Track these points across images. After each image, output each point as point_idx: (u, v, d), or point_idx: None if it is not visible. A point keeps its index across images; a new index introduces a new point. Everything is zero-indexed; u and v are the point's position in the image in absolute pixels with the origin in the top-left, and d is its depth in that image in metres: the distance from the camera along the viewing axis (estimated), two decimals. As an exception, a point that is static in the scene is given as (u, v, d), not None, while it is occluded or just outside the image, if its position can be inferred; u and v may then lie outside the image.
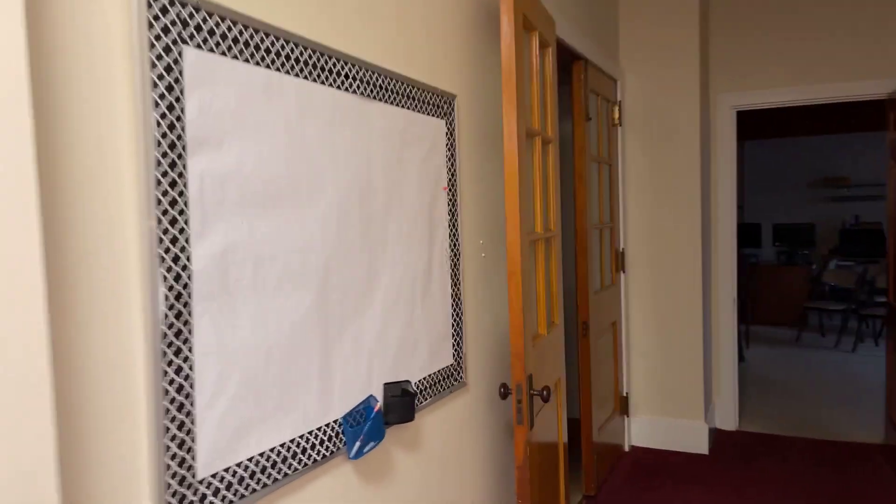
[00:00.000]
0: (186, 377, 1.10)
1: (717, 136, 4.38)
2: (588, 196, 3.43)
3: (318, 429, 1.42)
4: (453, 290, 2.00)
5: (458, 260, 2.02)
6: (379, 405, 1.56)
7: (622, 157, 4.07)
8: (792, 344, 7.30)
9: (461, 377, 2.04)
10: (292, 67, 1.36)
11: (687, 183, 3.99)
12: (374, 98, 1.62)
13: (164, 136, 1.07)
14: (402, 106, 1.74)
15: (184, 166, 1.10)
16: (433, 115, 1.90)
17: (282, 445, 1.32)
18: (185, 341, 1.10)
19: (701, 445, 4.03)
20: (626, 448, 4.14)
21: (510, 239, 1.95)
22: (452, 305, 2.00)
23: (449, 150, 1.98)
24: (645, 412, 4.18)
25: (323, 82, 1.44)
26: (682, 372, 4.07)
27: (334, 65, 1.48)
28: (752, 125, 7.59)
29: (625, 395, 4.10)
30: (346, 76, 1.52)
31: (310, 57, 1.41)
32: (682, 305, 4.05)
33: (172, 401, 1.08)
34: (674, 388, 4.10)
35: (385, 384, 1.65)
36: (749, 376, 5.92)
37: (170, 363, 1.07)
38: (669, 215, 4.04)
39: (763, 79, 4.26)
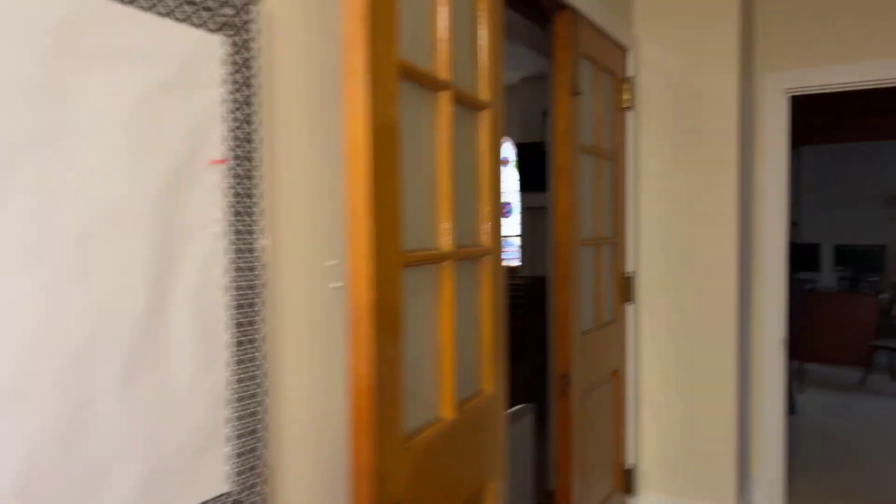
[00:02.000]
0: None
1: (765, 128, 3.35)
2: (574, 199, 2.47)
3: None
4: (240, 351, 1.08)
5: (255, 296, 1.11)
6: None
7: (633, 152, 3.09)
8: (856, 389, 6.10)
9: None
10: None
11: (721, 189, 2.99)
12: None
13: None
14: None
15: None
16: (193, 24, 1.00)
17: None
18: None
19: (732, 540, 3.00)
20: (632, 535, 3.13)
21: (357, 265, 1.05)
22: (238, 380, 1.08)
23: (237, 90, 1.07)
24: (658, 489, 3.16)
25: None
26: (708, 437, 3.05)
27: None
28: (808, 126, 6.44)
29: (629, 467, 3.09)
30: None
31: None
32: (712, 348, 3.03)
33: None
34: (697, 460, 3.07)
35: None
36: (801, 433, 4.79)
37: None
38: (697, 230, 3.04)
39: (825, 53, 3.22)
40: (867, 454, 4.38)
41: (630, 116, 3.05)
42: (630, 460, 3.09)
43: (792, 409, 4.89)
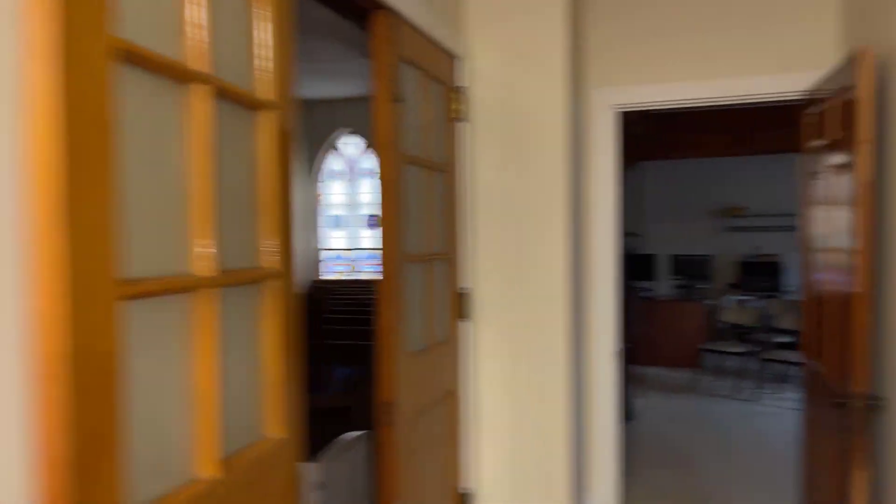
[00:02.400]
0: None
1: (596, 142, 3.40)
2: (398, 212, 2.31)
3: None
4: None
5: None
6: None
7: (468, 165, 3.00)
8: (689, 391, 6.47)
9: None
10: None
11: (552, 203, 2.96)
12: None
13: None
14: None
15: None
16: None
17: None
18: None
19: (568, 557, 2.96)
20: (471, 561, 3.01)
21: (41, 301, 0.80)
22: None
23: None
24: (496, 511, 3.07)
25: None
26: (544, 454, 3.00)
27: None
28: (649, 142, 6.82)
29: (466, 491, 2.98)
30: None
31: None
32: (546, 363, 2.99)
33: None
34: (534, 478, 3.01)
35: None
36: (639, 438, 4.96)
37: None
38: (530, 245, 2.99)
39: (652, 72, 3.32)
40: (698, 454, 4.60)
41: (463, 128, 2.96)
42: (467, 484, 2.97)
43: (630, 415, 5.06)
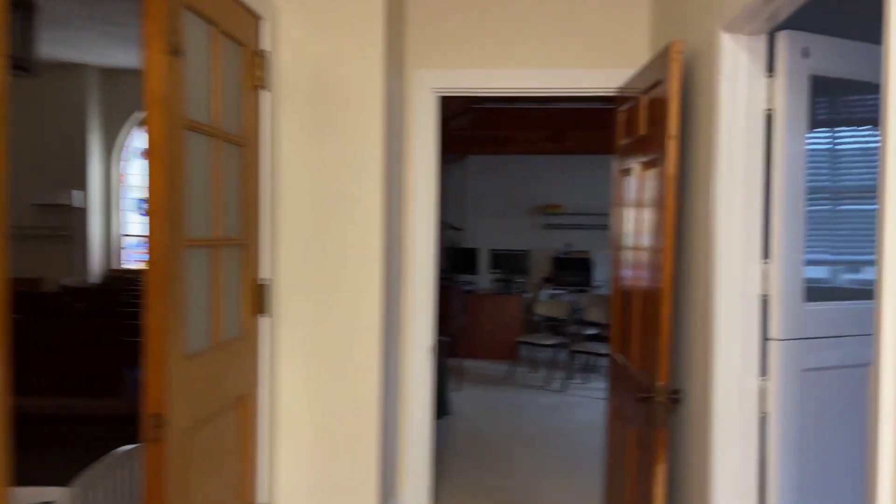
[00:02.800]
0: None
1: (416, 127, 3.21)
2: (174, 187, 1.93)
3: None
4: None
5: None
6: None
7: (271, 140, 2.66)
8: (505, 383, 6.59)
9: None
10: None
11: (366, 189, 2.72)
12: None
13: None
14: None
15: None
16: None
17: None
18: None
19: (374, 569, 2.75)
20: (266, 584, 2.69)
21: None
22: None
23: None
24: (296, 525, 2.78)
25: None
26: (351, 460, 2.76)
27: None
28: (474, 136, 6.85)
29: (261, 506, 2.66)
30: None
31: None
32: (357, 362, 2.75)
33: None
34: (340, 485, 2.76)
35: None
36: (454, 433, 4.91)
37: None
38: (343, 233, 2.73)
39: (473, 57, 3.20)
40: (511, 448, 4.62)
41: (266, 97, 2.62)
42: (263, 498, 2.65)
43: (447, 409, 5.00)
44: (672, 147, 2.25)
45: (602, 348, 6.46)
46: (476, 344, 7.57)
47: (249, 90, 2.53)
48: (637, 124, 2.66)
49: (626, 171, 2.85)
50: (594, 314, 6.65)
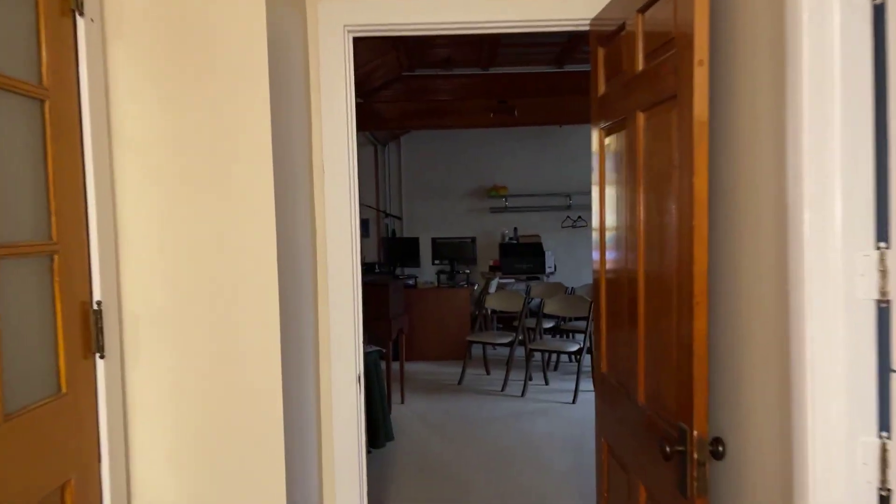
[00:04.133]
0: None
1: (327, 81, 2.36)
2: None
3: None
4: None
5: None
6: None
7: (102, 96, 1.78)
8: (456, 390, 5.82)
9: None
10: None
11: (249, 166, 1.86)
12: None
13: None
14: None
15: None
16: None
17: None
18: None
19: None
20: None
21: None
22: None
23: None
24: None
25: None
26: (252, 551, 1.92)
27: None
28: (404, 110, 5.99)
29: None
30: None
31: None
32: (248, 410, 1.90)
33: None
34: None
35: None
36: (399, 463, 4.11)
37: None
38: (218, 231, 1.86)
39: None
40: (466, 473, 3.86)
41: (88, 31, 1.73)
42: None
43: (389, 435, 4.18)
44: (701, 77, 1.49)
45: (565, 345, 5.77)
46: (422, 345, 6.78)
47: (57, 15, 1.64)
48: (631, 57, 1.90)
49: (615, 128, 2.09)
50: (552, 306, 5.95)
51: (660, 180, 1.74)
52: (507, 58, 5.35)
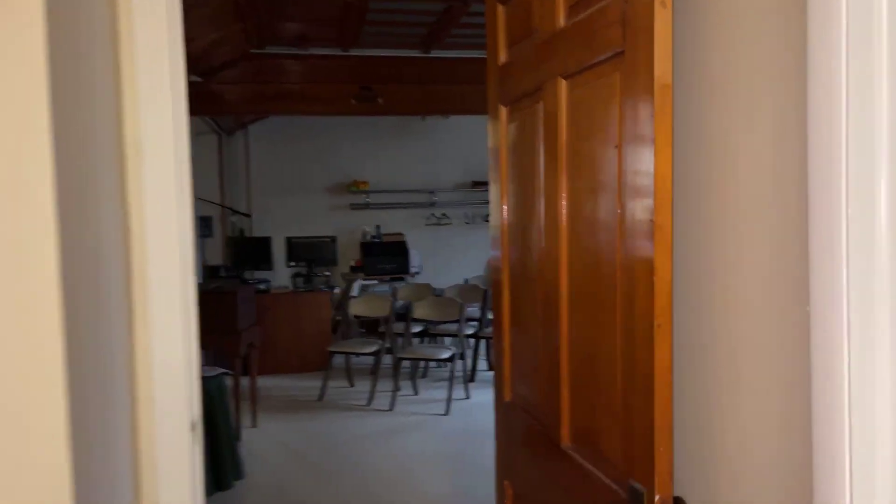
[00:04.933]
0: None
1: (141, 29, 1.75)
2: None
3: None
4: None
5: None
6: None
7: None
8: (317, 407, 5.24)
9: None
10: None
11: (16, 148, 1.23)
12: None
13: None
14: None
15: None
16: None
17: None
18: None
19: None
20: None
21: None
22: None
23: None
24: None
25: None
26: None
27: None
28: (251, 94, 5.30)
29: None
30: None
31: None
32: (19, 494, 1.28)
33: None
34: None
35: None
36: None
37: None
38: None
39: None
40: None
41: None
42: None
43: (238, 473, 3.55)
44: (663, 23, 1.11)
45: (437, 352, 5.38)
46: (277, 357, 6.10)
47: None
48: (548, 12, 1.50)
49: (524, 103, 1.68)
50: (421, 310, 5.55)
51: (592, 164, 1.35)
52: (371, 37, 4.86)
